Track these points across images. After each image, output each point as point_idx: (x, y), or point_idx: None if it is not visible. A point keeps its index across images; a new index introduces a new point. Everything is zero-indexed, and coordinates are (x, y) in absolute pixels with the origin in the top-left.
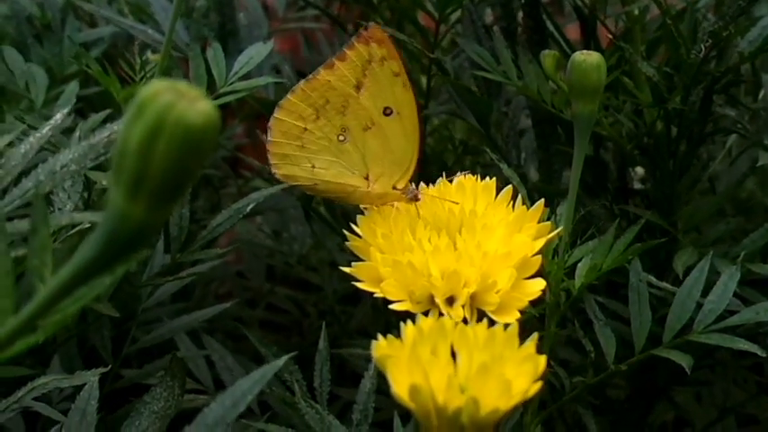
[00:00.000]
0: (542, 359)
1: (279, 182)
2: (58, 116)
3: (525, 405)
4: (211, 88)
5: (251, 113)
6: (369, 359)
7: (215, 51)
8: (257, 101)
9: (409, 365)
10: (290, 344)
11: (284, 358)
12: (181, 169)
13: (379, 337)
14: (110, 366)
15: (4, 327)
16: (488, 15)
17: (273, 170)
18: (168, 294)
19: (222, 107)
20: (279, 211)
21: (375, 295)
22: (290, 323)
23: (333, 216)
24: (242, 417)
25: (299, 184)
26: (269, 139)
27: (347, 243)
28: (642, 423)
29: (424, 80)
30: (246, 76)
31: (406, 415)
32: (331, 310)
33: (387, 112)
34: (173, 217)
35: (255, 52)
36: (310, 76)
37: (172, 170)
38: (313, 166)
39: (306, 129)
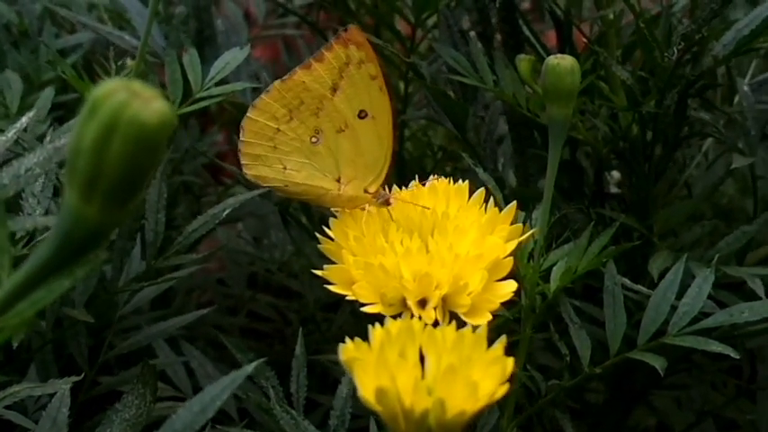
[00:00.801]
0: (510, 361)
1: (258, 187)
2: (24, 119)
3: (502, 409)
4: (188, 94)
5: (230, 120)
6: None
7: (191, 57)
8: (235, 107)
9: (376, 368)
10: (272, 352)
11: (254, 364)
12: (135, 169)
13: (347, 340)
14: (83, 374)
15: None
16: (465, 21)
17: (245, 170)
18: (146, 301)
19: (202, 114)
20: (259, 218)
21: (347, 298)
22: (272, 331)
23: (311, 222)
24: (220, 423)
25: (270, 185)
26: (241, 138)
27: (319, 246)
28: (621, 427)
29: (401, 86)
30: (223, 82)
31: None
32: (312, 318)
33: (362, 115)
34: (148, 222)
35: (232, 57)
36: (286, 76)
37: (126, 170)
38: (284, 168)
39: (278, 129)
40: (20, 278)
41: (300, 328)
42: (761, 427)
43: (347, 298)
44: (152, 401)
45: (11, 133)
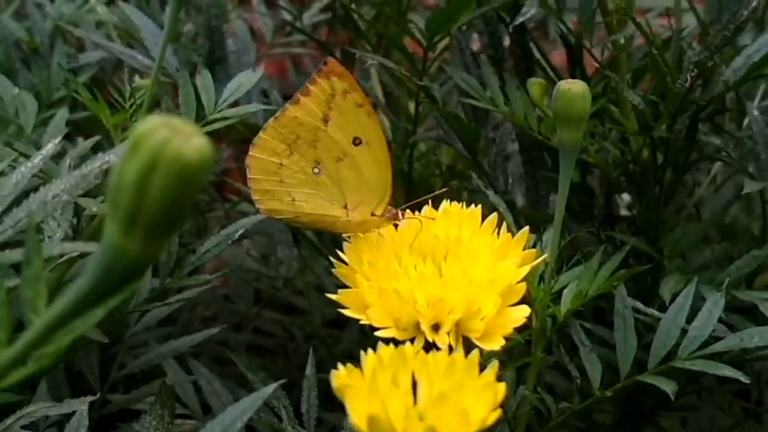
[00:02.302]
0: (502, 387)
1: None
2: (50, 146)
3: (512, 430)
4: (201, 115)
5: (238, 138)
6: None
7: (204, 78)
8: (246, 126)
9: (368, 396)
10: (276, 368)
11: (273, 386)
12: (176, 204)
13: (339, 366)
14: (98, 394)
15: None
16: (475, 42)
17: (258, 206)
18: (155, 320)
19: (210, 132)
20: (266, 235)
21: (361, 322)
22: (276, 347)
23: (320, 240)
24: None
25: (282, 218)
26: (249, 176)
27: (334, 270)
28: None
29: (411, 106)
30: (235, 103)
31: None
32: (317, 334)
33: (356, 142)
34: None
35: (245, 79)
36: (278, 113)
37: (167, 206)
38: (293, 200)
39: (281, 164)
40: (59, 310)
41: (311, 348)
42: None
43: (361, 322)
44: (170, 422)
45: (36, 159)
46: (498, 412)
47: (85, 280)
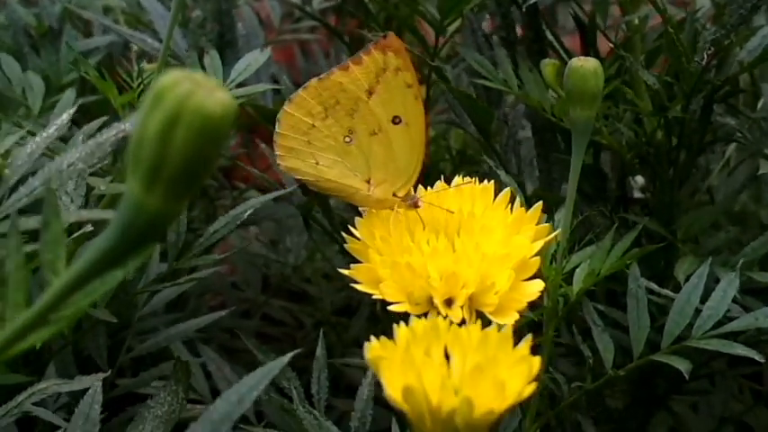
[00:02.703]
0: (536, 360)
1: (277, 189)
2: (64, 116)
3: (524, 411)
4: None
5: (246, 124)
6: (365, 368)
7: (212, 59)
8: (255, 109)
9: (402, 367)
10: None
11: (288, 356)
12: (198, 158)
13: (372, 339)
14: (108, 372)
15: (17, 320)
16: (486, 25)
17: (278, 161)
18: (164, 303)
19: None
20: (275, 221)
21: (374, 297)
22: (283, 335)
23: (332, 224)
24: (238, 427)
25: (302, 177)
26: (277, 130)
27: (346, 245)
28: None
29: (423, 91)
30: (243, 85)
31: (404, 423)
32: (327, 321)
33: (395, 120)
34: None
35: (253, 60)
36: (323, 75)
37: (190, 159)
38: (317, 163)
39: (314, 125)
40: (79, 269)
41: (321, 330)
42: None
43: (373, 297)
44: (184, 399)
45: (51, 129)
46: (534, 385)
47: (105, 238)
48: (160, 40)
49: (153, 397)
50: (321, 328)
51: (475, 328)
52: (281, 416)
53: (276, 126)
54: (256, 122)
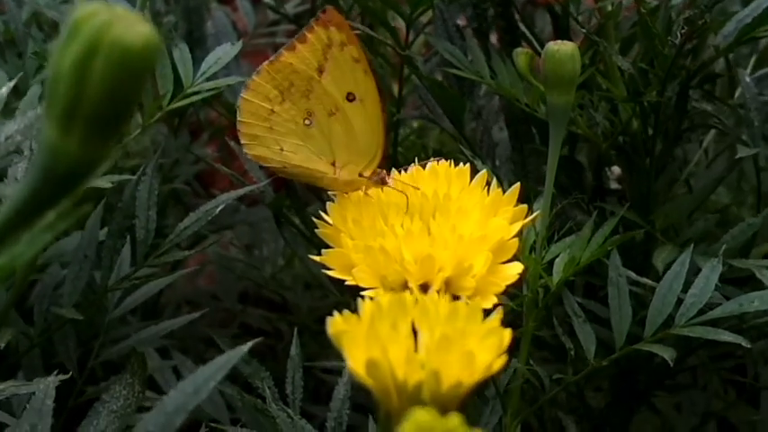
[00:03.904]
0: (507, 333)
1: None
2: (4, 89)
3: (505, 407)
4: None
5: (220, 127)
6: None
7: (181, 52)
8: (228, 108)
9: (367, 341)
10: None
11: (251, 342)
12: (118, 96)
13: (335, 313)
14: (70, 375)
15: None
16: (461, 18)
17: (245, 150)
18: (136, 306)
19: (192, 121)
20: (250, 225)
21: (346, 283)
22: (264, 347)
23: (304, 223)
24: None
25: (270, 165)
26: (239, 118)
27: (317, 231)
28: (624, 430)
29: (395, 90)
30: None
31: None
32: (307, 328)
33: (350, 98)
34: (139, 220)
35: (222, 53)
36: (273, 57)
37: (108, 96)
38: (281, 149)
39: (273, 110)
40: None
41: (296, 329)
42: (761, 428)
43: (346, 283)
44: (141, 392)
45: None
46: (504, 358)
47: (22, 188)
48: None
49: (108, 391)
50: (296, 328)
51: (443, 301)
52: (255, 416)
53: (237, 114)
54: (232, 127)
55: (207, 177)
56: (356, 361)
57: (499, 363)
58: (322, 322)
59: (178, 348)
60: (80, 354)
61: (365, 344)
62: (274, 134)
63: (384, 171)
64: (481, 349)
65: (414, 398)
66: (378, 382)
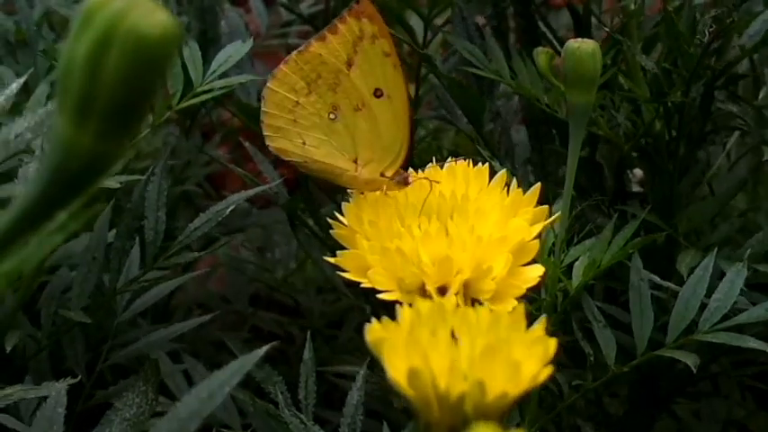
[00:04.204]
0: (553, 342)
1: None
2: (14, 85)
3: (522, 413)
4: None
5: (233, 131)
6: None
7: (191, 50)
8: (239, 107)
9: (407, 349)
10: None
11: (266, 347)
12: (134, 88)
13: (373, 320)
14: (79, 379)
15: None
16: (479, 17)
17: (267, 142)
18: (145, 308)
19: (204, 123)
20: (263, 228)
21: (362, 285)
22: (275, 352)
23: (318, 225)
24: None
25: (291, 159)
26: (262, 108)
27: (332, 232)
28: None
29: (412, 90)
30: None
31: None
32: (319, 332)
33: (377, 93)
34: (148, 221)
35: (234, 51)
36: (302, 47)
37: (124, 89)
38: (304, 143)
39: (298, 102)
40: (7, 221)
41: (309, 333)
42: None
43: (361, 286)
44: (154, 399)
45: (0, 99)
46: (550, 368)
47: (33, 186)
48: None
49: (121, 398)
50: (308, 332)
51: (484, 309)
52: (266, 422)
53: (261, 104)
54: (245, 128)
55: (218, 179)
56: (396, 370)
57: (545, 373)
58: (334, 326)
59: (188, 352)
60: (89, 357)
61: (405, 352)
62: (298, 127)
63: (406, 172)
64: (526, 359)
65: (456, 409)
66: (419, 393)
